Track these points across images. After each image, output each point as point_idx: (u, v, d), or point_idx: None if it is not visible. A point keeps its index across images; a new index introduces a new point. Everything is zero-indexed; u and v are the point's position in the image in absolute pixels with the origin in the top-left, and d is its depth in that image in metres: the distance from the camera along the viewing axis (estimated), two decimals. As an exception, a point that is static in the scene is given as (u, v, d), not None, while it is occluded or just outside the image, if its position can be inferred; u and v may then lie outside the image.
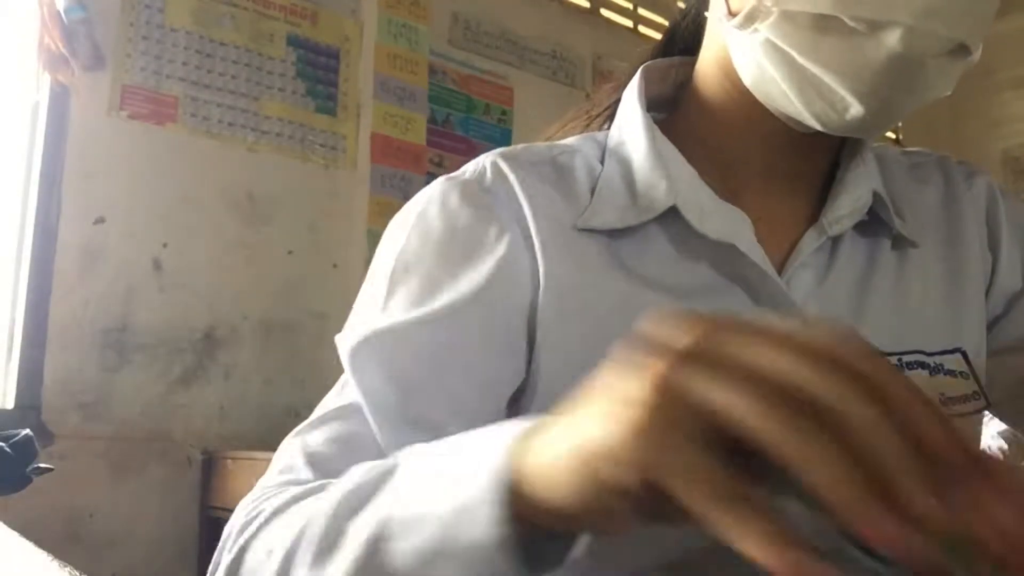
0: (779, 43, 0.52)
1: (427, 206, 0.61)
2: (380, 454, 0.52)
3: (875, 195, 0.62)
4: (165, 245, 2.18)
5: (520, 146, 0.64)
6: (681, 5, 0.73)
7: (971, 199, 0.67)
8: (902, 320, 0.61)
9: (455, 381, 0.55)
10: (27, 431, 1.48)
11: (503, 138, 2.84)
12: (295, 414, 2.31)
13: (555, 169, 0.62)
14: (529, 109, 2.89)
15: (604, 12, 3.17)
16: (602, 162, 0.63)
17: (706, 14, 0.62)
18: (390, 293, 0.58)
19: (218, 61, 2.31)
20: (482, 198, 0.60)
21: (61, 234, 2.05)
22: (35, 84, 2.10)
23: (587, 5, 3.13)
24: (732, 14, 0.55)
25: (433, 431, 0.53)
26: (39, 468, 1.49)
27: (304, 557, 0.44)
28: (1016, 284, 0.66)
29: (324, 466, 0.54)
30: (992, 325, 0.66)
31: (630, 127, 0.63)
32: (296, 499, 0.50)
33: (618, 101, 0.67)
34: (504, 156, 0.62)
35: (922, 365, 0.60)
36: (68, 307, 2.03)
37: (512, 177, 0.60)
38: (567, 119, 0.73)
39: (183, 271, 2.20)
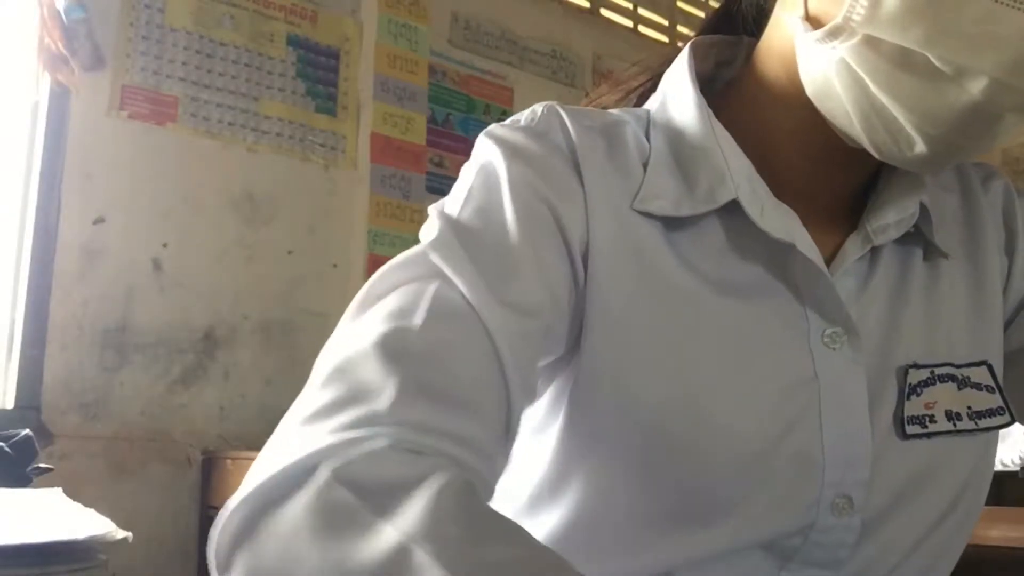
0: (855, 66, 0.49)
1: (484, 145, 0.58)
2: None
3: (921, 207, 0.60)
4: (165, 245, 2.18)
5: (571, 106, 0.60)
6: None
7: (989, 203, 0.66)
8: (933, 331, 0.60)
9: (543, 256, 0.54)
10: (27, 431, 1.48)
11: (503, 138, 2.83)
12: (295, 414, 2.31)
13: (605, 138, 0.59)
14: (529, 109, 2.88)
15: (604, 12, 3.17)
16: (647, 138, 0.60)
17: (776, 10, 0.58)
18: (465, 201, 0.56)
19: (218, 61, 2.31)
20: (542, 142, 0.57)
21: (61, 234, 2.04)
22: (35, 84, 2.09)
23: (587, 5, 3.13)
24: (810, 20, 0.52)
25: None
26: (39, 468, 1.49)
27: None
28: None
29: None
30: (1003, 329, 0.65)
31: (679, 105, 0.60)
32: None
33: (652, 78, 0.66)
34: (561, 107, 0.59)
35: (952, 378, 0.59)
36: (68, 307, 2.03)
37: (572, 130, 0.58)
38: (597, 93, 0.70)
39: (183, 271, 2.20)
